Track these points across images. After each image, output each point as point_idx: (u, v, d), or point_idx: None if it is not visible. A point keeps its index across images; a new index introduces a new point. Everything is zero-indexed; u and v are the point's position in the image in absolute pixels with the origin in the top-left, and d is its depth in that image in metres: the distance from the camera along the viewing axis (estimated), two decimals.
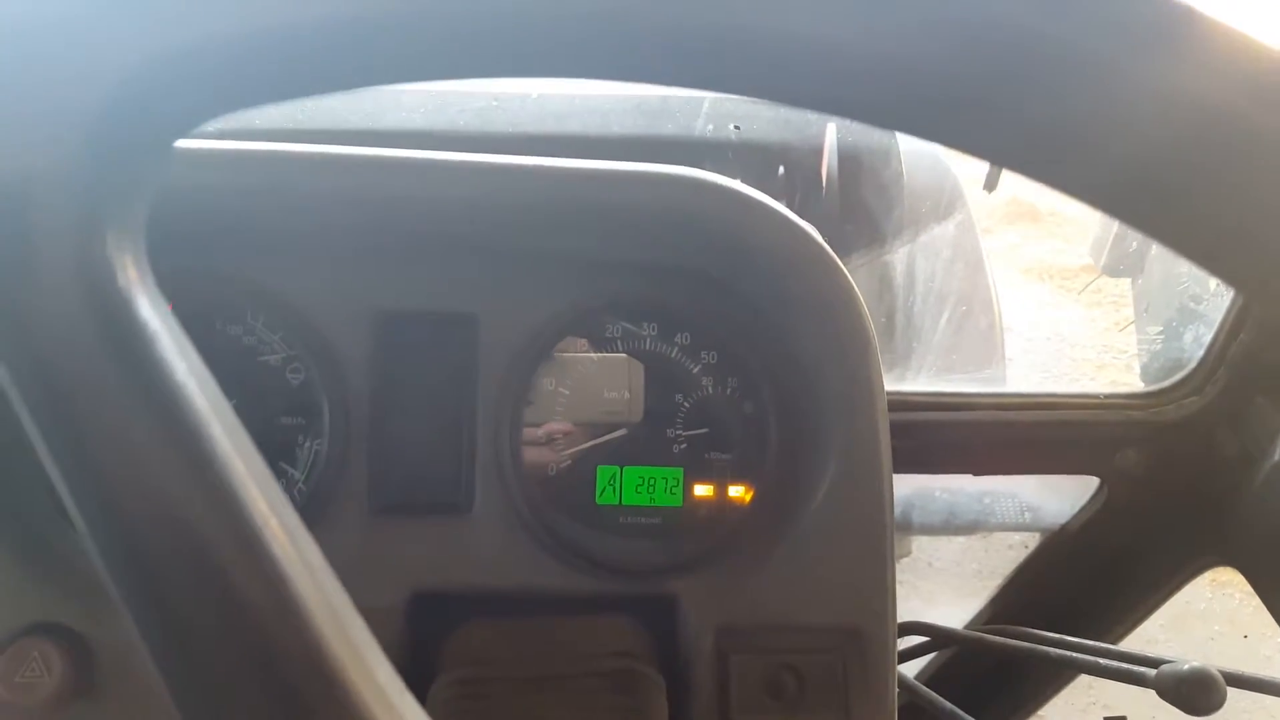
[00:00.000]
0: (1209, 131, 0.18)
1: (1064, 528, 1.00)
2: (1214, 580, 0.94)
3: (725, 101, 1.28)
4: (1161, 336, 0.99)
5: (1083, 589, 1.01)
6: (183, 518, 0.17)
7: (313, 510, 0.57)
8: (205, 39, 0.16)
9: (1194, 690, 0.57)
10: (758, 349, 0.62)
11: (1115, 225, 1.31)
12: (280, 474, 0.58)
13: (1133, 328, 1.15)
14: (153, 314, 0.17)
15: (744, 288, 0.61)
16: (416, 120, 1.26)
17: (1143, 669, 0.62)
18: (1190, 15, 0.18)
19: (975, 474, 0.97)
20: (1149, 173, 0.19)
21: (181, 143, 0.19)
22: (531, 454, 0.60)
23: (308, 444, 0.58)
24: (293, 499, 0.57)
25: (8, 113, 0.15)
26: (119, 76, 0.16)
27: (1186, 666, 0.57)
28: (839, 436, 0.60)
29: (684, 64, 0.18)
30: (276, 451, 0.58)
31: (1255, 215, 0.19)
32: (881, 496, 0.60)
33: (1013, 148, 0.20)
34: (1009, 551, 1.98)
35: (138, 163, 0.17)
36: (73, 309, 0.16)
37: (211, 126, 0.19)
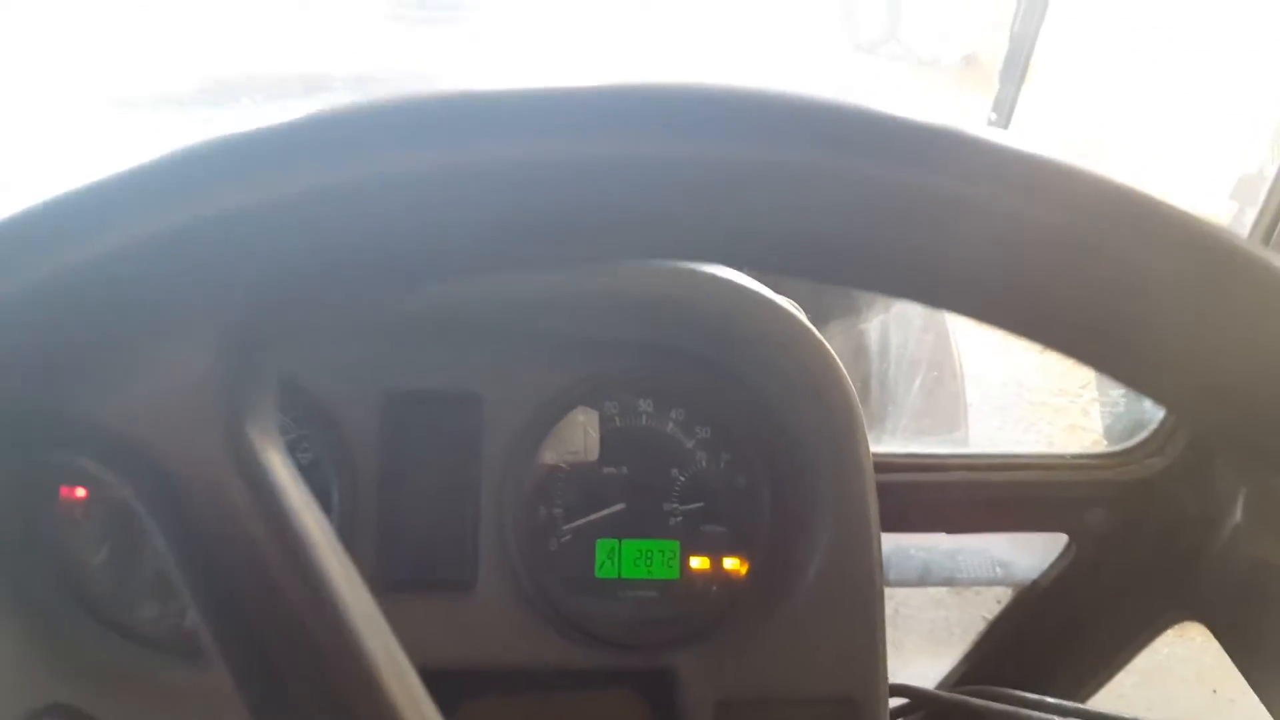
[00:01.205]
0: (1089, 267, 0.19)
1: (1035, 584, 1.03)
2: (1179, 631, 0.97)
3: None
4: (1124, 398, 1.03)
5: (1055, 644, 1.04)
6: (307, 638, 0.21)
7: None
8: (289, 268, 0.20)
9: None
10: (750, 424, 0.65)
11: None
12: None
13: (1092, 385, 1.20)
14: (284, 473, 0.21)
15: (735, 366, 0.64)
16: None
17: None
18: (1046, 161, 0.19)
19: (949, 532, 1.00)
20: (1062, 309, 0.20)
21: None
22: (533, 529, 0.62)
23: None
24: None
25: (150, 346, 0.20)
26: (233, 313, 0.20)
27: None
28: (829, 508, 0.62)
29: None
30: None
31: (1170, 343, 0.20)
32: (871, 564, 0.62)
33: (918, 285, 0.21)
34: (976, 598, 2.02)
35: (262, 365, 0.21)
36: (225, 479, 0.20)
37: None
